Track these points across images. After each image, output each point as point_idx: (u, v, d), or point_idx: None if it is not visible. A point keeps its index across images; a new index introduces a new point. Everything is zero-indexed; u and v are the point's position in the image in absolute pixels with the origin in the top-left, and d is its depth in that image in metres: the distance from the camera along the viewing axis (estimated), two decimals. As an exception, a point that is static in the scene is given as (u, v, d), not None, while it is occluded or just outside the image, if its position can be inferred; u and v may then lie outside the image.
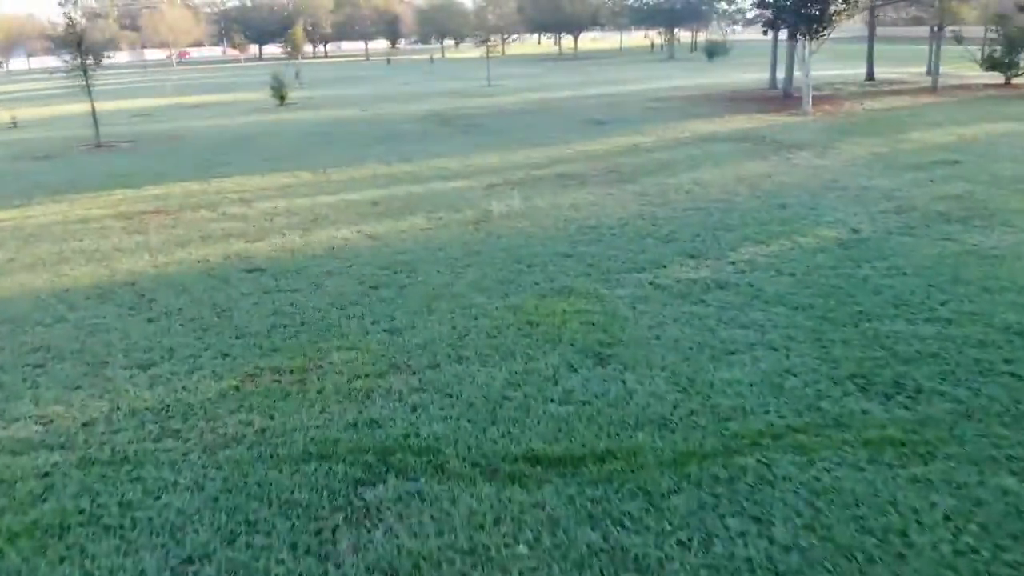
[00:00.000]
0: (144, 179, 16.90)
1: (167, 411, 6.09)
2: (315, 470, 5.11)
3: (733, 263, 9.40)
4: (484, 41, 60.72)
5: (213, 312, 8.31)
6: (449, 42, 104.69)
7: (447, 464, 5.12)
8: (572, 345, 7.08)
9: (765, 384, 6.22)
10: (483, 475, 4.99)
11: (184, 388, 6.48)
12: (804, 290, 8.36)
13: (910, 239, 10.12)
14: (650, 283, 8.77)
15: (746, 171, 15.32)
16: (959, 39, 33.30)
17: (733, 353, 6.83)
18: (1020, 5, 28.52)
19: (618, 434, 5.49)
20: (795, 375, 6.37)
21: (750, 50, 66.92)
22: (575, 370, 6.57)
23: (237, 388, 6.41)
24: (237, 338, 7.52)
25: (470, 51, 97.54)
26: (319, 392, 6.26)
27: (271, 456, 5.32)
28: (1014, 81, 30.70)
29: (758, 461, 5.12)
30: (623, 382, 6.32)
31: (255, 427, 5.73)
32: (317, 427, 5.69)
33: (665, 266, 9.37)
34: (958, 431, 5.45)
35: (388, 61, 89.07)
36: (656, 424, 5.63)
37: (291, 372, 6.67)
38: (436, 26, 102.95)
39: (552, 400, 6.02)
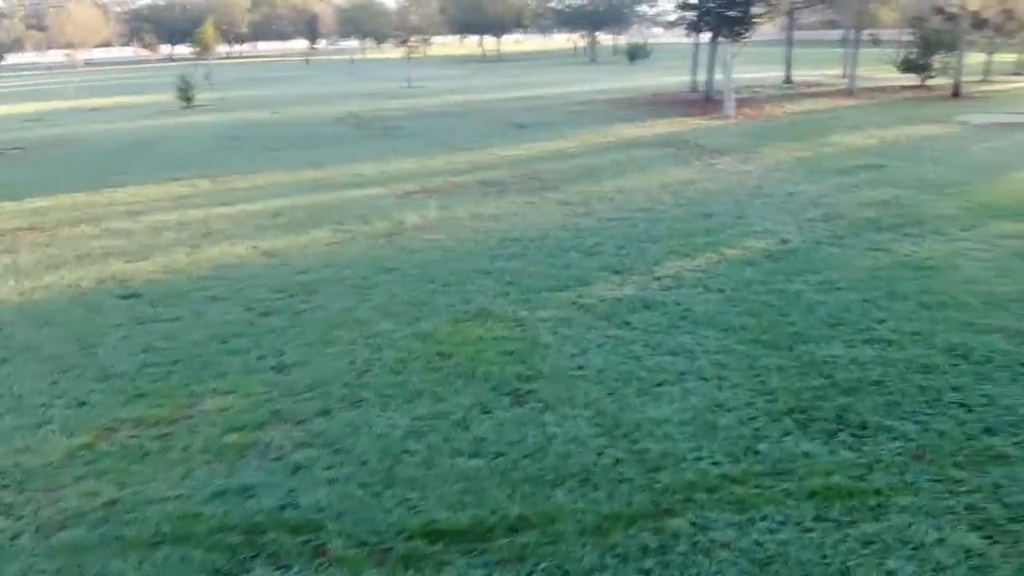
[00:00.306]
0: (27, 190, 15.42)
1: (1, 479, 5.10)
2: (167, 557, 4.22)
3: (659, 279, 8.79)
4: (404, 42, 59.41)
5: (77, 348, 7.26)
6: (370, 42, 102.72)
7: (328, 545, 4.29)
8: (487, 381, 6.33)
9: (697, 423, 5.59)
10: (371, 558, 4.18)
11: (27, 448, 5.49)
12: (733, 309, 7.80)
13: (840, 250, 9.67)
14: (573, 303, 8.10)
15: (670, 177, 14.82)
16: (876, 42, 33.80)
17: (661, 385, 6.20)
18: (936, 8, 28.97)
19: (534, 494, 4.75)
20: (729, 410, 5.77)
21: (670, 53, 67.44)
22: (488, 412, 5.83)
23: (89, 446, 5.45)
24: (99, 381, 6.51)
25: (391, 51, 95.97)
26: (184, 450, 5.33)
27: (116, 539, 4.41)
28: (929, 83, 31.27)
29: (692, 523, 4.47)
30: (542, 425, 5.61)
31: (102, 499, 4.80)
32: (176, 497, 4.78)
33: (589, 283, 8.71)
34: (910, 476, 4.91)
35: (307, 61, 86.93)
36: (577, 478, 4.92)
37: (155, 424, 5.72)
38: (357, 26, 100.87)
39: (461, 453, 5.25)
